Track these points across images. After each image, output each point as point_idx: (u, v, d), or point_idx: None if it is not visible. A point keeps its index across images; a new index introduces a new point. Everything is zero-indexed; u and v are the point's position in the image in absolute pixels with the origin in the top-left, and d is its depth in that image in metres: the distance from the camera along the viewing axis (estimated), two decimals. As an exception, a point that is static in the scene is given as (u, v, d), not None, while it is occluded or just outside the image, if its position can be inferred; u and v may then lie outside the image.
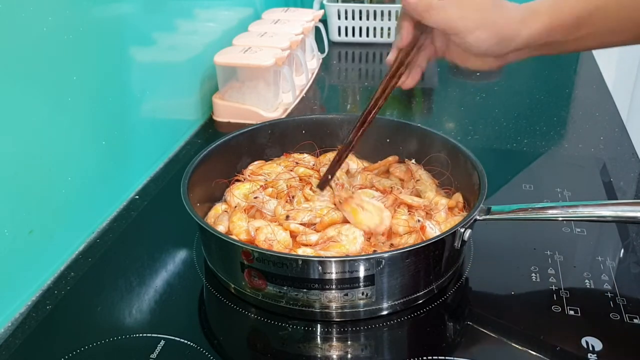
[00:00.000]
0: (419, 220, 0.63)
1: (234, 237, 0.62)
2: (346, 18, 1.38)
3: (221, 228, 0.65)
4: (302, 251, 0.60)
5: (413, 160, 0.74)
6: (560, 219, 0.60)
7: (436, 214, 0.65)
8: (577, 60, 1.31)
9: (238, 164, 0.75)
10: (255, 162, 0.77)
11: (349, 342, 0.56)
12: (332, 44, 1.39)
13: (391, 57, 0.63)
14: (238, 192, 0.70)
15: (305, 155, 0.78)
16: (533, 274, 0.63)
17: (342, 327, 0.57)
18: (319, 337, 0.56)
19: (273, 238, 0.61)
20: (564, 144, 0.93)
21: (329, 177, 0.68)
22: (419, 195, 0.69)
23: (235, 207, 0.68)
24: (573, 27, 0.57)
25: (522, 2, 0.59)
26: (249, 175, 0.73)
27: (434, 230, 0.62)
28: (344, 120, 0.79)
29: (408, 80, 0.65)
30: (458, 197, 0.68)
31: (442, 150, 0.72)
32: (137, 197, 0.80)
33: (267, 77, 0.98)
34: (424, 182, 0.71)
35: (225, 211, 0.69)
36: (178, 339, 0.55)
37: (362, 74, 1.31)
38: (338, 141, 0.78)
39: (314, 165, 0.76)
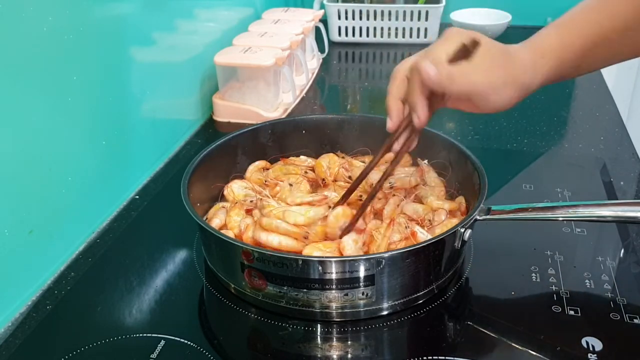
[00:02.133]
0: (407, 227, 0.62)
1: (228, 231, 0.63)
2: (346, 18, 1.38)
3: (217, 221, 0.66)
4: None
5: (425, 161, 0.73)
6: (561, 219, 0.60)
7: (436, 217, 0.65)
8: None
9: (238, 164, 0.75)
10: (256, 163, 0.77)
11: (349, 342, 0.56)
12: (332, 44, 1.39)
13: (394, 125, 0.60)
14: (237, 187, 0.70)
15: (302, 156, 0.78)
16: (533, 274, 0.63)
17: (342, 327, 0.57)
18: (319, 337, 0.56)
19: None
20: (564, 143, 0.93)
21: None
22: (420, 201, 0.68)
23: (236, 203, 0.69)
24: (580, 59, 0.58)
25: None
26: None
27: (425, 236, 0.61)
28: (345, 120, 0.79)
29: (414, 143, 0.62)
30: (461, 200, 0.67)
31: (443, 150, 0.72)
32: (137, 197, 0.80)
33: (267, 77, 0.98)
34: (428, 185, 0.70)
35: (223, 207, 0.69)
36: (178, 339, 0.55)
37: (362, 74, 1.31)
38: (339, 141, 0.78)
39: (308, 163, 0.76)
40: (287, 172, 0.74)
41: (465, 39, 0.56)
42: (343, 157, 0.76)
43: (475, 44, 0.55)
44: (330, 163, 0.74)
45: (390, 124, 0.60)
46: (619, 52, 0.59)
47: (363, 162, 0.75)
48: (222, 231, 0.64)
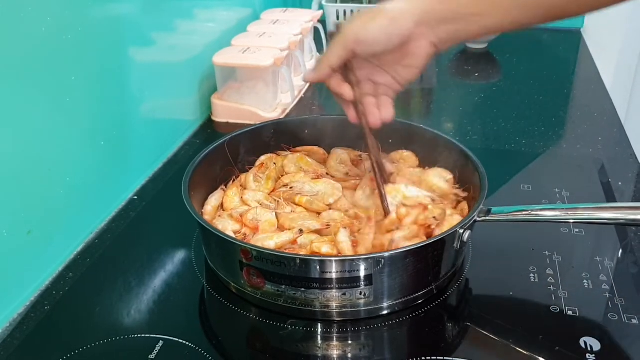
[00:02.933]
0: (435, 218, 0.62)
1: (226, 212, 0.66)
2: (345, 18, 1.38)
3: (213, 200, 0.69)
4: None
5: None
6: (560, 221, 0.61)
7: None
8: (576, 60, 1.31)
9: (239, 164, 0.75)
10: (262, 158, 0.77)
11: (348, 342, 0.56)
12: (330, 44, 1.39)
13: (351, 117, 0.65)
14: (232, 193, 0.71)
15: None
16: (532, 275, 0.63)
17: (341, 326, 0.57)
18: (317, 336, 0.56)
19: (259, 219, 0.65)
20: (562, 144, 0.94)
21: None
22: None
23: (233, 181, 0.71)
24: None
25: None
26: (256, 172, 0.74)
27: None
28: (348, 120, 0.79)
29: (384, 114, 0.65)
30: (463, 206, 0.67)
31: (444, 151, 0.72)
32: (135, 197, 0.80)
33: (266, 78, 0.98)
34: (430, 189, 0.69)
35: (222, 189, 0.71)
36: (177, 339, 0.55)
37: (361, 75, 1.31)
38: (342, 141, 0.78)
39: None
40: (302, 166, 0.75)
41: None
42: (360, 156, 0.77)
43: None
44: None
45: (349, 116, 0.67)
46: (508, 7, 0.57)
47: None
48: (218, 222, 0.66)
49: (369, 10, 0.59)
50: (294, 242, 0.62)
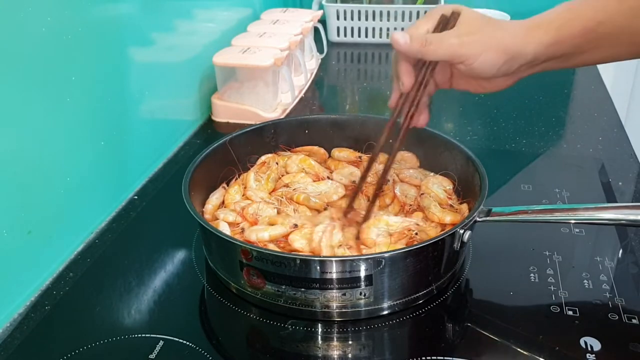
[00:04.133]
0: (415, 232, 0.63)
1: (228, 213, 0.66)
2: (345, 18, 1.38)
3: (214, 199, 0.69)
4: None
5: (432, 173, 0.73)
6: (560, 221, 0.60)
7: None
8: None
9: (239, 164, 0.75)
10: (263, 157, 0.77)
11: (348, 342, 0.56)
12: (331, 44, 1.39)
13: (393, 101, 0.61)
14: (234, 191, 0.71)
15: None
16: (532, 275, 0.63)
17: (341, 326, 0.57)
18: (318, 336, 0.56)
19: (260, 213, 0.65)
20: (562, 144, 0.94)
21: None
22: (422, 211, 0.67)
23: (234, 180, 0.72)
24: (581, 38, 0.55)
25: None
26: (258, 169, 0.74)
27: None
28: (348, 120, 0.79)
29: (421, 119, 0.63)
30: (464, 211, 0.66)
31: (444, 151, 0.72)
32: (135, 197, 0.80)
33: (266, 78, 0.98)
34: (428, 195, 0.68)
35: (223, 187, 0.72)
36: (177, 339, 0.55)
37: (361, 75, 1.31)
38: (343, 141, 0.78)
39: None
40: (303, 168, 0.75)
41: (445, 11, 0.56)
42: (360, 157, 0.77)
43: (455, 14, 0.56)
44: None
45: (391, 99, 0.62)
46: (621, 41, 0.56)
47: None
48: (219, 212, 0.67)
49: (486, 23, 0.55)
50: (287, 236, 0.62)
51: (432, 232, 0.63)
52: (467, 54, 0.55)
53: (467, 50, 0.55)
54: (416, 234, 0.61)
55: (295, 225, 0.62)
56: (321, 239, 0.60)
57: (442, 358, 0.53)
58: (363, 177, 0.65)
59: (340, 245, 0.60)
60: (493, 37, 0.55)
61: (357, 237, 0.62)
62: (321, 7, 1.38)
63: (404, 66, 0.58)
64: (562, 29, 0.55)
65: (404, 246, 0.59)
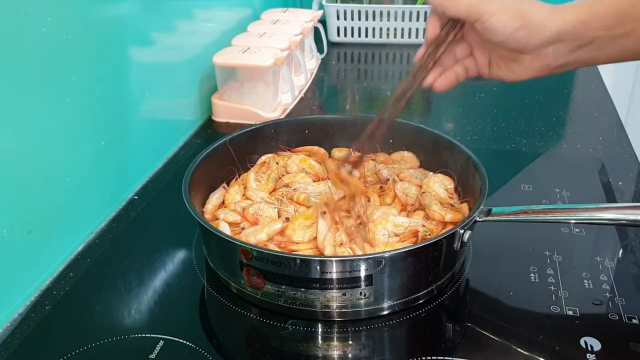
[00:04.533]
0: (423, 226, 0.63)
1: (228, 212, 0.66)
2: (345, 18, 1.38)
3: (214, 199, 0.69)
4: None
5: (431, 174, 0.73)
6: (560, 221, 0.60)
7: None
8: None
9: (239, 164, 0.75)
10: (263, 157, 0.77)
11: (348, 342, 0.56)
12: (331, 44, 1.39)
13: (419, 54, 0.61)
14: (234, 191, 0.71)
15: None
16: (532, 274, 0.63)
17: (341, 326, 0.57)
18: (318, 336, 0.56)
19: (261, 213, 0.66)
20: (562, 144, 0.94)
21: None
22: (423, 209, 0.67)
23: (235, 180, 0.72)
24: (612, 20, 0.52)
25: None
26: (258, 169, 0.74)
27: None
28: (348, 120, 0.79)
29: (440, 80, 0.61)
30: (465, 210, 0.67)
31: (444, 151, 0.72)
32: (136, 197, 0.80)
33: (266, 78, 0.98)
34: (429, 194, 0.68)
35: (224, 187, 0.72)
36: (177, 339, 0.55)
37: (361, 75, 1.31)
38: (343, 141, 0.78)
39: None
40: (304, 167, 0.75)
41: None
42: (360, 157, 0.76)
43: None
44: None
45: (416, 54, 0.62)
46: None
47: (373, 160, 0.76)
48: (219, 212, 0.67)
49: None
50: (283, 232, 0.62)
51: (437, 233, 0.63)
52: (482, 11, 0.55)
53: (483, 7, 0.55)
54: (428, 234, 0.62)
55: (287, 219, 0.63)
56: (324, 237, 0.60)
57: (442, 358, 0.53)
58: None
59: (342, 244, 0.60)
60: (515, 2, 0.55)
61: (366, 240, 0.62)
62: (321, 7, 1.38)
63: (432, 19, 0.59)
64: (594, 6, 0.53)
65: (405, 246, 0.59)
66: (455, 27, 0.59)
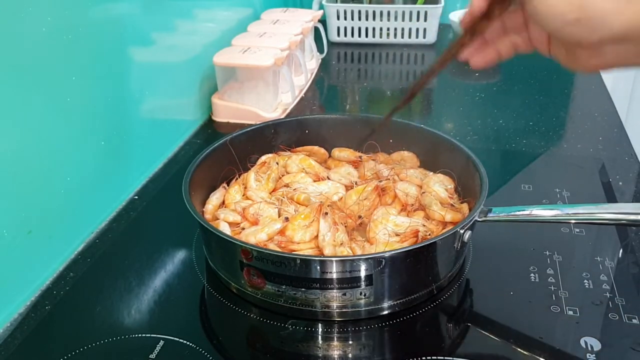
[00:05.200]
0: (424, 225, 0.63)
1: (228, 212, 0.66)
2: (345, 18, 1.38)
3: (214, 199, 0.69)
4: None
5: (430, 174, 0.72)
6: (560, 221, 0.60)
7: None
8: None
9: (240, 164, 0.75)
10: (263, 157, 0.77)
11: (349, 342, 0.56)
12: (331, 44, 1.39)
13: (463, 20, 0.52)
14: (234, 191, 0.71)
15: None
16: (532, 274, 0.63)
17: (341, 326, 0.57)
18: (318, 336, 0.56)
19: (261, 213, 0.65)
20: (562, 144, 0.94)
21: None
22: (423, 209, 0.67)
23: (235, 180, 0.72)
24: None
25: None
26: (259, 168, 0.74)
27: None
28: (348, 120, 0.80)
29: (478, 57, 0.54)
30: (465, 210, 0.66)
31: (444, 151, 0.72)
32: (136, 197, 0.80)
33: (267, 78, 0.98)
34: (429, 194, 0.68)
35: (224, 187, 0.72)
36: (177, 339, 0.55)
37: (362, 75, 1.31)
38: (343, 141, 0.78)
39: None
40: (304, 167, 0.75)
41: None
42: (360, 157, 0.77)
43: None
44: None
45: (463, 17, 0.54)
46: None
47: (374, 160, 0.76)
48: (220, 212, 0.67)
49: None
50: (283, 232, 0.62)
51: (437, 233, 0.63)
52: None
53: None
54: (428, 235, 0.62)
55: (287, 219, 0.63)
56: (324, 238, 0.60)
57: (442, 358, 0.53)
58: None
59: (342, 244, 0.60)
60: None
61: (367, 240, 0.62)
62: (321, 7, 1.38)
63: None
64: None
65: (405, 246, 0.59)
66: (503, 3, 0.50)
